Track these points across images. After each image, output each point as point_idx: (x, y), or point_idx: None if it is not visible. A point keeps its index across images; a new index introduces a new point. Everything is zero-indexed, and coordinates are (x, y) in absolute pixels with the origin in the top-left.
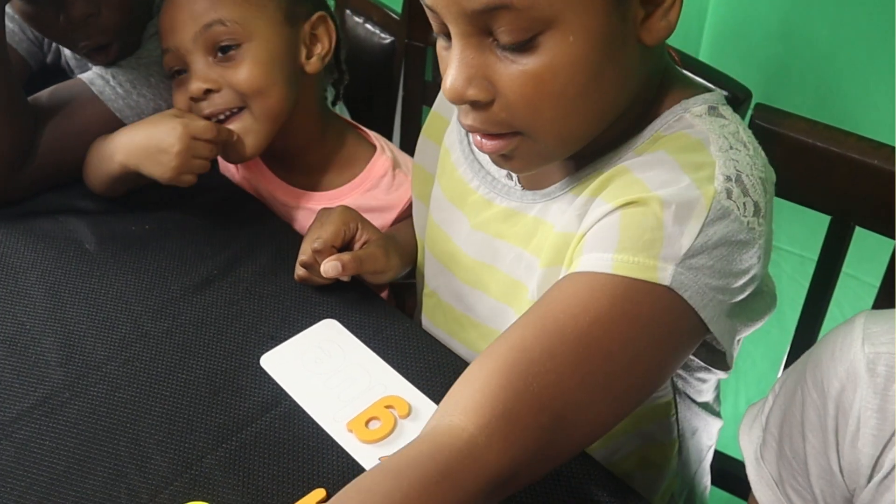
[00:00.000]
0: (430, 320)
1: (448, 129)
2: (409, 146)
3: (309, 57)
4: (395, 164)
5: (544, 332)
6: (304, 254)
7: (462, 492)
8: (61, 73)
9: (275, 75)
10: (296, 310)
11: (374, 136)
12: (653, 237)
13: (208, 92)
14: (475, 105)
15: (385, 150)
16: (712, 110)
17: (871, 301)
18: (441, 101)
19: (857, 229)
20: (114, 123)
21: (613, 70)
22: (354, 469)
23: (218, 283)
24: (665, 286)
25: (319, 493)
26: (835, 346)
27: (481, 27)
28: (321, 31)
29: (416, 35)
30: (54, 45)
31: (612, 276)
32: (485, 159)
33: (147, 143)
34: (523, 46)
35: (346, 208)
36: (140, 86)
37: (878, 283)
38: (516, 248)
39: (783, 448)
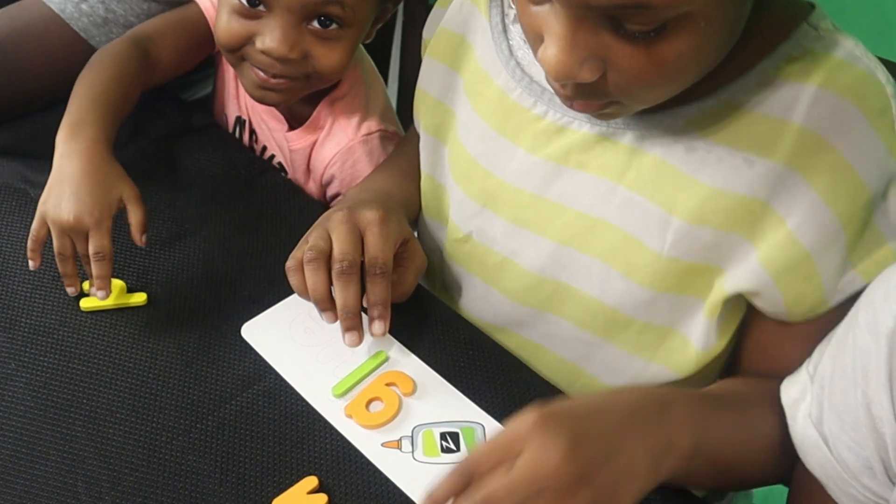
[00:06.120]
0: (463, 267)
1: (476, 52)
2: (412, 74)
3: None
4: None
5: None
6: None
7: None
8: None
9: (350, 60)
10: (281, 270)
11: None
12: None
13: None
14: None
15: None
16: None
17: None
18: (450, 16)
19: None
20: (80, 45)
21: (735, 31)
22: (350, 453)
23: (191, 238)
24: None
25: (311, 480)
26: (889, 285)
27: (603, 14)
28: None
29: None
30: None
31: None
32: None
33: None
34: (650, 33)
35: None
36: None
37: None
38: (606, 182)
39: (833, 401)
